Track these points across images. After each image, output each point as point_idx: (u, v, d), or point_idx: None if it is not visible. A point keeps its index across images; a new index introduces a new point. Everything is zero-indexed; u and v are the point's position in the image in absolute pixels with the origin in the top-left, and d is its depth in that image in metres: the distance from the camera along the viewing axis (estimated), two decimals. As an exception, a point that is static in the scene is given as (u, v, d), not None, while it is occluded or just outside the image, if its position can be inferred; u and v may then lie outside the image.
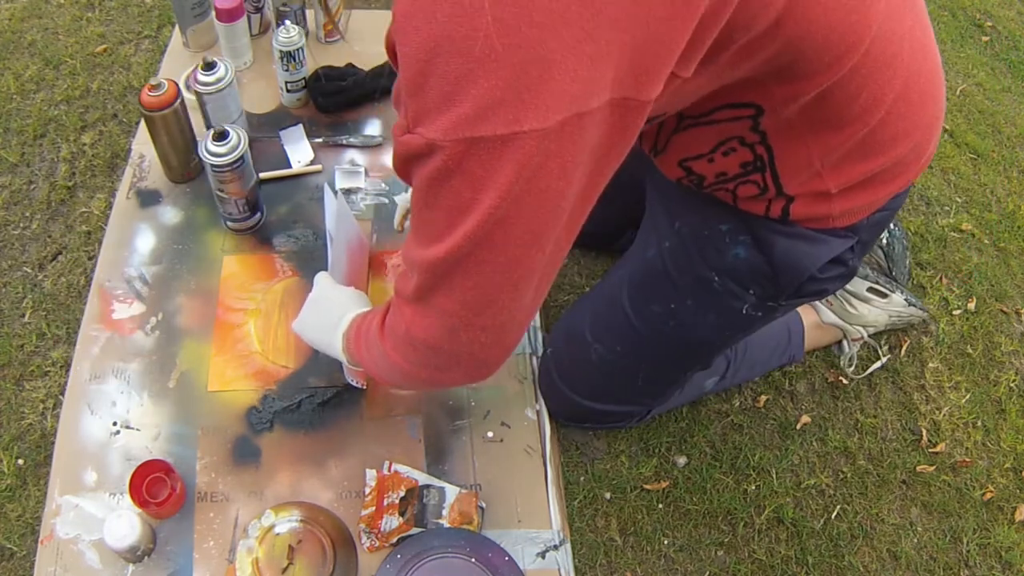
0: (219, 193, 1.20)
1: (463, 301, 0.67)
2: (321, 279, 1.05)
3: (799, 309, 1.41)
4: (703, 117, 0.80)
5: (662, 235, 1.02)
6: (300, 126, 1.42)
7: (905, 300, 1.42)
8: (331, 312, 1.00)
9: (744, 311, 0.99)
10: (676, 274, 1.00)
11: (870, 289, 1.40)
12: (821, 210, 0.86)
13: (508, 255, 0.63)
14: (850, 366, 1.44)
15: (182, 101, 1.22)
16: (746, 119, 0.78)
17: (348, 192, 1.35)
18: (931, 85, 0.82)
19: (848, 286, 1.40)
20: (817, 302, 1.43)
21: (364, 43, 1.57)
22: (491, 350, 0.73)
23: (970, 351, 1.54)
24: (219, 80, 1.24)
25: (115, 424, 1.09)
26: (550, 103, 0.52)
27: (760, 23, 0.63)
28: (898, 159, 0.83)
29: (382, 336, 0.82)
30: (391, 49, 0.67)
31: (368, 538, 1.01)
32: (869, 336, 1.44)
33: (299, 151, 1.39)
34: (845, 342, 1.44)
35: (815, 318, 1.42)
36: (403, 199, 1.28)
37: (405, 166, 0.62)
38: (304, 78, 1.42)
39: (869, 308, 1.40)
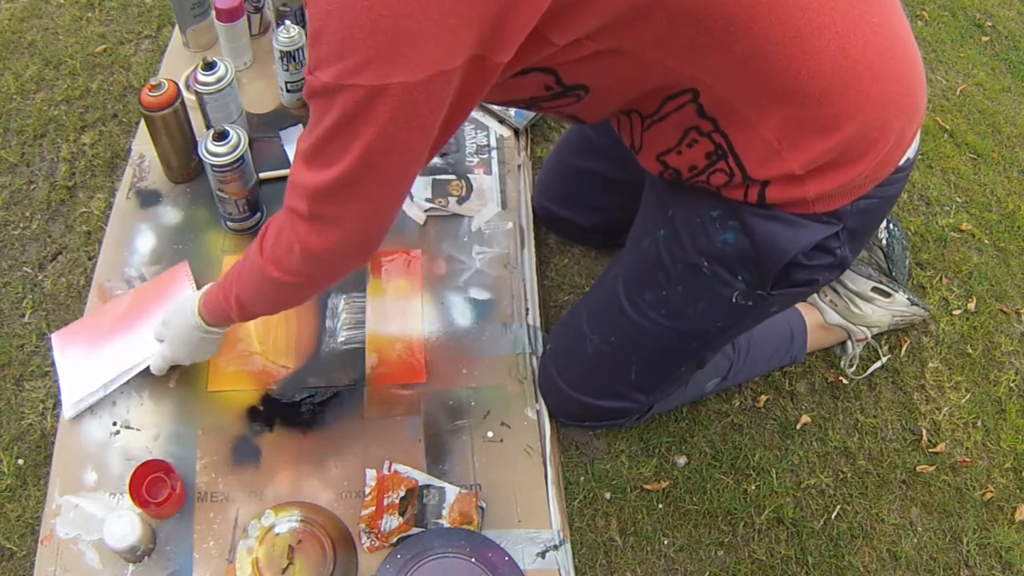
0: (219, 193, 1.20)
1: (357, 212, 0.81)
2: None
3: (802, 310, 1.41)
4: (656, 115, 0.88)
5: (656, 224, 1.04)
6: (300, 126, 1.42)
7: (908, 299, 1.42)
8: (184, 303, 1.06)
9: (734, 299, 1.00)
10: (669, 261, 1.01)
11: (874, 289, 1.40)
12: (795, 194, 0.88)
13: (387, 176, 0.77)
14: (851, 367, 1.44)
15: (182, 101, 1.22)
16: (689, 104, 0.83)
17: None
18: (884, 59, 0.82)
19: (852, 285, 1.40)
20: (820, 303, 1.42)
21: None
22: (375, 236, 0.86)
23: (970, 351, 1.54)
24: (219, 80, 1.24)
25: (115, 424, 1.09)
26: (417, 63, 0.65)
27: None
28: (857, 136, 0.84)
29: (262, 256, 0.88)
30: None
31: (368, 538, 1.01)
32: (872, 337, 1.44)
33: (299, 151, 1.39)
34: (849, 342, 1.44)
35: (819, 319, 1.42)
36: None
37: (310, 99, 0.73)
38: (304, 78, 1.42)
39: (873, 308, 1.40)
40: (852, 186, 0.88)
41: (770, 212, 0.91)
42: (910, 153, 0.92)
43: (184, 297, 1.12)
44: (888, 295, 1.40)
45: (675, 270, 1.01)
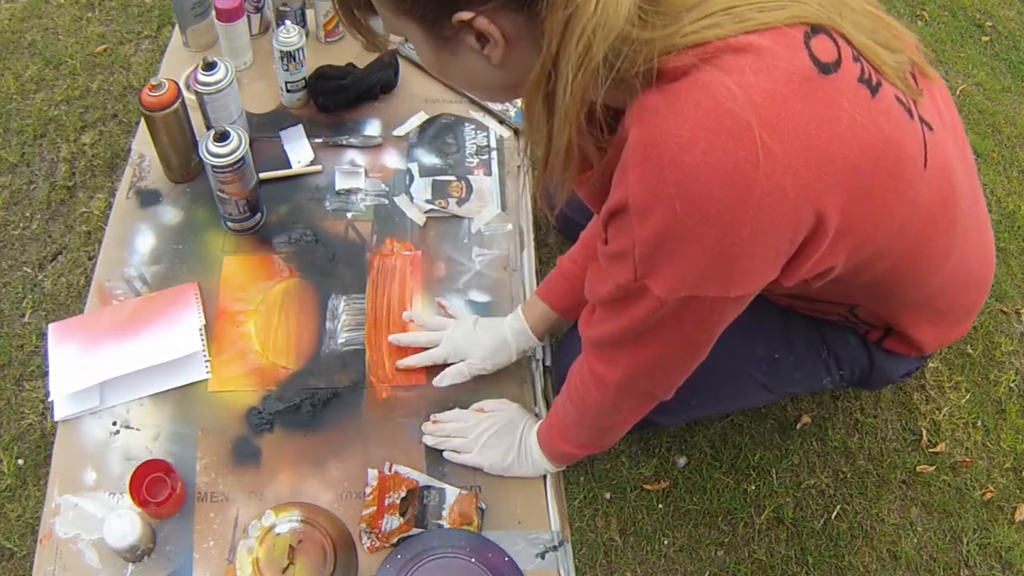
0: (219, 193, 1.20)
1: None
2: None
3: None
4: (807, 305, 1.04)
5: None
6: (300, 126, 1.42)
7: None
8: (512, 428, 1.09)
9: (823, 382, 1.14)
10: (800, 329, 1.09)
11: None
12: (908, 350, 1.06)
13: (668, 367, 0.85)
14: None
15: (183, 101, 1.22)
16: (842, 308, 1.01)
17: (348, 192, 1.35)
18: (978, 242, 0.97)
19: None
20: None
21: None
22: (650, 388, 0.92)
23: (970, 351, 1.54)
24: (219, 80, 1.24)
25: (115, 424, 1.09)
26: (747, 284, 0.72)
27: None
28: (969, 306, 1.04)
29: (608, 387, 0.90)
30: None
31: (369, 538, 1.01)
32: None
33: (299, 151, 1.39)
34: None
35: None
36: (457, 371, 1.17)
37: (618, 288, 0.76)
38: (304, 78, 1.42)
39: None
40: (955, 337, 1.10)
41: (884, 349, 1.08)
42: None
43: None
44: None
45: (798, 342, 1.10)
